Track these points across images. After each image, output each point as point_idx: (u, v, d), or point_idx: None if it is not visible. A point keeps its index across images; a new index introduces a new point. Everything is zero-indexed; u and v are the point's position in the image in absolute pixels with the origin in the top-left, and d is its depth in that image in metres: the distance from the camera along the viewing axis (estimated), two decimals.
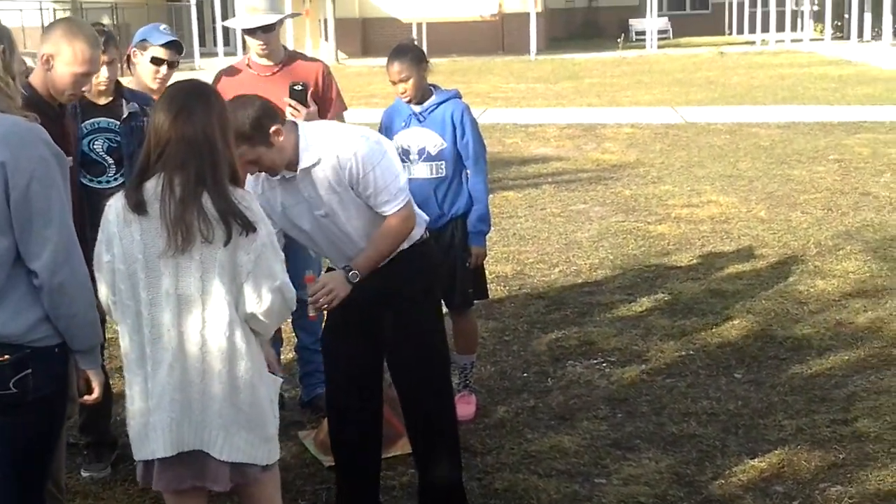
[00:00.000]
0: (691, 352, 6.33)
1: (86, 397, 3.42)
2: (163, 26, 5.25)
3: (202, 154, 3.16)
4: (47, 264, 3.09)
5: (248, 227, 3.16)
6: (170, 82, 5.20)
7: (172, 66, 5.20)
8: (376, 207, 4.01)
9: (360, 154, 3.91)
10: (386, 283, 4.10)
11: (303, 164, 3.92)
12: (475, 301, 5.64)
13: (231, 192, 3.20)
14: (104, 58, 4.66)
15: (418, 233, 4.22)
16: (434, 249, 4.47)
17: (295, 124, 3.97)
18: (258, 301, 3.22)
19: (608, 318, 7.02)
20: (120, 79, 4.91)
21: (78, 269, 3.16)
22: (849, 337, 6.49)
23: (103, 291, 3.30)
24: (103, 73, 4.70)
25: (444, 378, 4.48)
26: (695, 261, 8.43)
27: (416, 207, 4.22)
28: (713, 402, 5.58)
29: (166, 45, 5.12)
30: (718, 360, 6.17)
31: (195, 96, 3.26)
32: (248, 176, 3.94)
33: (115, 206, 3.25)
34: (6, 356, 3.10)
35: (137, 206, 3.19)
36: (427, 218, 4.36)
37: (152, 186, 3.19)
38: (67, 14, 30.15)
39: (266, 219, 3.31)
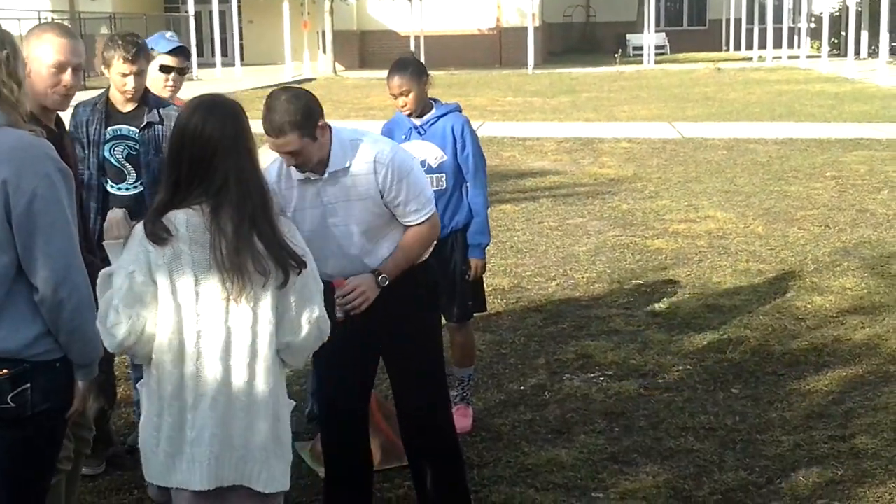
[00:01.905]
0: (689, 367, 6.32)
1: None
2: (169, 34, 5.29)
3: (254, 192, 3.10)
4: (49, 280, 3.05)
5: (302, 265, 3.16)
6: (181, 90, 5.27)
7: (182, 72, 5.24)
8: (404, 216, 4.00)
9: (396, 161, 3.93)
10: (389, 293, 4.07)
11: (332, 167, 3.90)
12: (473, 314, 5.63)
13: (280, 229, 3.16)
14: (133, 68, 4.72)
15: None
16: (433, 265, 4.43)
17: (329, 126, 3.94)
18: (296, 331, 3.19)
19: (605, 332, 7.01)
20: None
21: (81, 284, 3.12)
22: (846, 353, 6.49)
23: (130, 326, 3.11)
24: (129, 83, 4.74)
25: (443, 386, 4.44)
26: (692, 276, 8.43)
27: None
28: (711, 417, 5.57)
29: (172, 52, 5.16)
30: (716, 376, 6.16)
31: (231, 120, 3.14)
32: (272, 168, 3.96)
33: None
34: (4, 371, 3.07)
35: (155, 236, 3.08)
36: None
37: (197, 220, 3.08)
38: (66, 23, 30.18)
39: (307, 249, 3.27)
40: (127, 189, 4.86)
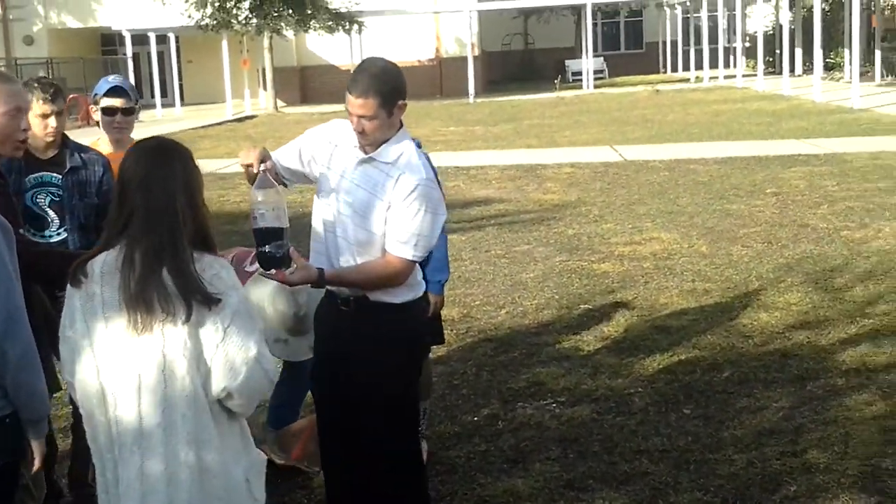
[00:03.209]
0: (640, 389, 6.35)
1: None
2: (112, 77, 5.27)
3: (163, 225, 2.97)
4: None
5: (210, 301, 2.95)
6: (131, 131, 5.24)
7: (128, 112, 5.19)
8: (388, 241, 3.97)
9: (420, 190, 3.93)
10: (363, 337, 4.07)
11: (378, 154, 3.98)
12: (431, 347, 5.63)
13: (194, 262, 2.99)
14: (52, 108, 4.67)
15: (410, 295, 4.15)
16: (421, 317, 4.36)
17: (402, 126, 4.08)
18: (232, 376, 2.97)
19: (556, 359, 7.02)
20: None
21: (24, 339, 3.08)
22: (794, 369, 6.55)
23: (66, 374, 3.11)
24: (51, 123, 4.69)
25: (411, 452, 4.37)
26: (639, 298, 8.48)
27: (418, 275, 4.21)
28: (664, 438, 5.59)
29: (110, 93, 5.13)
30: (667, 397, 6.20)
31: (159, 158, 3.08)
32: (337, 124, 4.15)
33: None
34: None
35: (74, 279, 3.05)
36: (424, 286, 4.28)
37: (111, 258, 3.02)
38: (2, 69, 29.91)
39: (239, 286, 3.09)
40: (50, 237, 4.75)
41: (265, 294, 4.79)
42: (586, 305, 8.34)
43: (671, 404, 6.08)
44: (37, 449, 3.26)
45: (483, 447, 5.63)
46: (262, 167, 3.84)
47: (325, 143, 4.14)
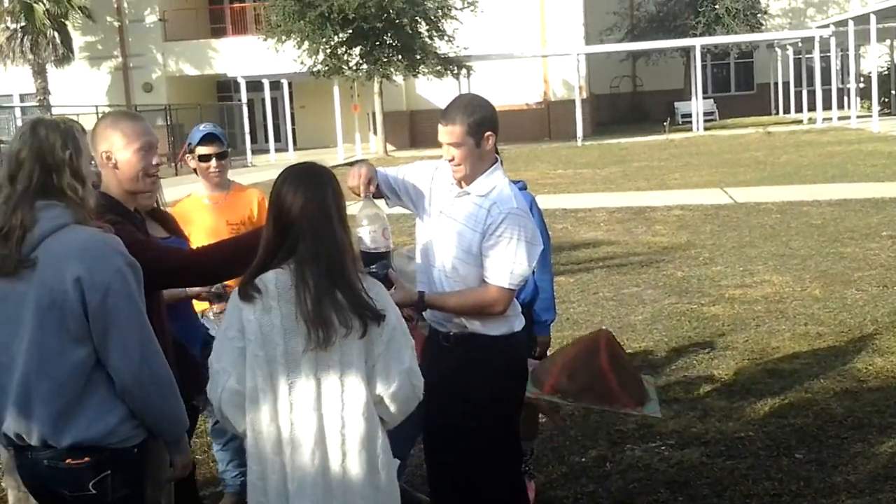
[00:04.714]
0: (750, 433, 6.28)
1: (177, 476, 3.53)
2: (202, 125, 5.54)
3: (327, 249, 3.26)
4: (126, 368, 3.18)
5: (380, 318, 3.27)
6: (227, 173, 5.49)
7: (222, 157, 5.46)
8: (485, 270, 4.07)
9: (510, 219, 4.01)
10: (460, 369, 4.15)
11: (472, 188, 4.10)
12: None
13: (360, 282, 3.30)
14: None
15: (506, 327, 4.21)
16: (520, 354, 4.37)
17: (499, 158, 4.17)
18: (386, 384, 3.29)
19: (665, 401, 6.96)
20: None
21: (156, 366, 3.25)
22: None
23: (228, 381, 3.29)
24: None
25: (512, 485, 4.39)
26: (750, 341, 8.39)
27: (516, 308, 4.27)
28: (775, 483, 5.53)
29: (203, 141, 5.40)
30: (778, 441, 6.12)
31: (314, 184, 3.33)
32: (436, 163, 4.24)
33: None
34: (86, 458, 3.19)
35: (245, 295, 3.28)
36: (522, 321, 4.32)
37: (285, 277, 3.27)
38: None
39: (394, 305, 3.40)
40: None
41: None
42: (696, 348, 8.28)
43: (783, 448, 6.01)
44: (180, 463, 3.45)
45: (591, 488, 5.63)
46: (367, 191, 3.98)
47: (426, 179, 4.27)
